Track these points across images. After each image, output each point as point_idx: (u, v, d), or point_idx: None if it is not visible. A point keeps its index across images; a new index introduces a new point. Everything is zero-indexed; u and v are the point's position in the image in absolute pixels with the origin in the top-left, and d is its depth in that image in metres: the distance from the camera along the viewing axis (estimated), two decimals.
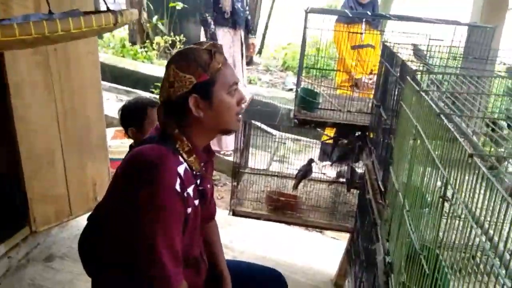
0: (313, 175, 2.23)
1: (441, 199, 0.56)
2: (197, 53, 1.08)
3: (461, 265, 0.71)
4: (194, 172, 1.12)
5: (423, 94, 0.79)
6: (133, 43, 7.49)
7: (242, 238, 2.64)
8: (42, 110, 2.16)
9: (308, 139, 3.71)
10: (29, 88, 2.08)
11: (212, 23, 3.50)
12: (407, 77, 0.97)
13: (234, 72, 1.17)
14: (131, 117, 1.71)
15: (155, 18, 7.51)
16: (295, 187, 2.14)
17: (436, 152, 0.65)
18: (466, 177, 0.60)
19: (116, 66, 6.26)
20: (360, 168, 2.04)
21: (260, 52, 8.04)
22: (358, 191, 2.01)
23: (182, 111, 1.09)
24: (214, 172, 3.85)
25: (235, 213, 2.12)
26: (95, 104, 2.46)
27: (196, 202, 1.13)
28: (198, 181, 1.16)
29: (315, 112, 1.99)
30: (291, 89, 6.01)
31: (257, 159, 2.57)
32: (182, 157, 1.09)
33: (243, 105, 1.17)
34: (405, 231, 0.77)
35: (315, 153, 3.44)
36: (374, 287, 1.07)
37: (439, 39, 1.62)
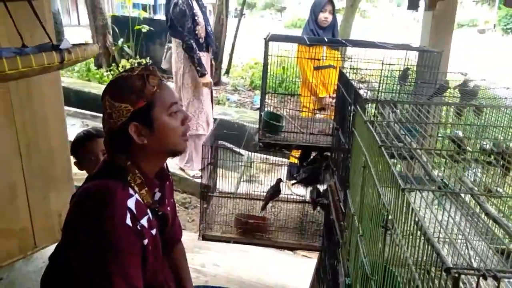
0: (282, 195, 2.27)
1: (382, 228, 0.61)
2: (129, 80, 1.06)
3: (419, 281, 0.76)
4: (146, 202, 1.11)
5: (369, 124, 0.85)
6: (99, 66, 7.43)
7: (214, 262, 2.63)
8: (3, 142, 2.12)
9: (277, 158, 3.78)
10: None
11: (197, 49, 3.57)
12: (356, 106, 1.03)
13: (173, 92, 1.16)
14: (71, 150, 1.75)
15: (120, 41, 7.49)
16: (263, 208, 2.17)
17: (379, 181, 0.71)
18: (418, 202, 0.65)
19: (82, 91, 6.19)
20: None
21: (227, 72, 8.13)
22: (324, 211, 2.06)
23: (126, 140, 1.07)
24: (184, 195, 3.84)
25: (204, 238, 2.12)
26: (58, 133, 2.43)
27: (153, 231, 1.12)
28: (157, 207, 1.16)
29: (279, 135, 2.04)
30: (258, 108, 6.09)
31: (226, 181, 2.59)
32: (133, 189, 1.08)
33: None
34: (359, 254, 0.81)
35: (284, 172, 3.51)
36: None
37: (391, 63, 1.72)
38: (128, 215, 1.02)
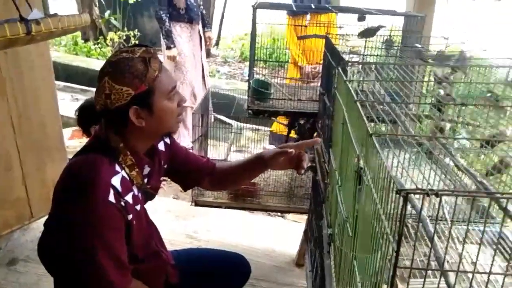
0: None
1: (356, 173, 0.67)
2: (131, 63, 1.05)
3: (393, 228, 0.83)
4: (136, 183, 1.14)
5: (348, 83, 0.90)
6: (86, 40, 7.31)
7: (207, 228, 2.72)
8: None
9: (267, 128, 3.84)
10: None
11: (167, 20, 3.53)
12: (338, 67, 1.08)
13: (171, 75, 1.17)
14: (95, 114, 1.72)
15: (107, 13, 7.35)
16: None
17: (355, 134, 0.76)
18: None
19: (70, 65, 6.11)
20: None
21: (217, 44, 8.05)
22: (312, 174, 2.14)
23: (122, 121, 1.09)
24: None
25: (197, 204, 2.20)
26: (49, 105, 2.45)
27: (138, 207, 1.16)
28: (146, 180, 1.21)
29: (268, 102, 2.09)
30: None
31: (217, 150, 2.65)
32: (121, 166, 1.11)
33: (184, 104, 1.20)
34: (338, 203, 0.88)
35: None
36: (321, 258, 1.19)
37: (380, 26, 1.75)
38: (112, 192, 1.04)
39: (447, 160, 1.20)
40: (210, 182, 1.48)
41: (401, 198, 0.40)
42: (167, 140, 1.37)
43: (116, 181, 1.07)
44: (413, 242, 1.00)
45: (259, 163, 1.38)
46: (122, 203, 1.08)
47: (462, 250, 0.86)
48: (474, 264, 0.66)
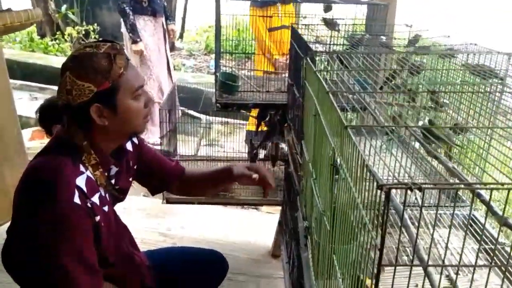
0: (241, 155, 2.33)
1: (331, 166, 0.66)
2: (95, 58, 1.01)
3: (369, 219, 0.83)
4: (99, 184, 1.09)
5: (318, 74, 0.89)
6: (42, 35, 7.00)
7: (180, 225, 2.68)
8: None
9: (236, 121, 3.80)
10: None
11: (131, 13, 3.43)
12: (307, 58, 1.07)
13: (139, 73, 1.12)
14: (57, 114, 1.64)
15: (64, 7, 7.05)
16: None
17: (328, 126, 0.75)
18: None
19: (26, 62, 5.84)
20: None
21: (181, 36, 7.91)
22: (284, 166, 2.13)
23: (85, 119, 1.04)
24: None
25: (168, 201, 2.15)
26: (5, 105, 2.32)
27: (106, 208, 1.11)
28: (113, 181, 1.16)
29: (236, 95, 2.06)
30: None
31: (187, 146, 2.60)
32: (85, 166, 1.06)
33: (155, 108, 1.16)
34: (314, 197, 0.87)
35: (244, 134, 3.56)
36: (298, 250, 1.19)
37: (340, 18, 1.76)
38: (77, 193, 1.00)
39: (417, 145, 1.22)
40: (178, 187, 1.47)
41: (383, 194, 0.39)
42: (135, 140, 1.32)
43: (81, 181, 1.03)
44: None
45: (227, 177, 1.40)
46: (89, 204, 1.03)
47: (432, 236, 0.88)
48: (446, 247, 0.67)
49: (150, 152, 1.40)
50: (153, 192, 1.48)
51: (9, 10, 1.30)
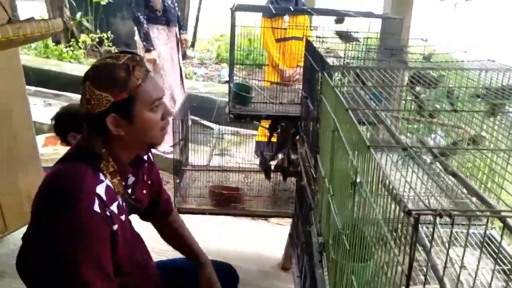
0: (252, 166, 2.33)
1: (351, 184, 0.66)
2: (113, 68, 1.03)
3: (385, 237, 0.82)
4: (117, 192, 1.10)
5: (336, 89, 0.89)
6: (57, 42, 7.09)
7: None
8: None
9: (247, 130, 3.81)
10: None
11: (145, 22, 3.47)
12: (324, 72, 1.07)
13: (158, 85, 1.12)
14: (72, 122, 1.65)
15: (79, 14, 7.16)
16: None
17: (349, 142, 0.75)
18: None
19: (41, 68, 5.92)
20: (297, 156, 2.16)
21: (193, 45, 7.97)
22: (295, 178, 2.13)
23: (103, 128, 1.05)
24: None
25: (179, 211, 2.15)
26: (21, 111, 2.35)
27: (123, 217, 1.12)
28: (130, 191, 1.17)
29: (249, 106, 2.07)
30: (227, 81, 6.06)
31: (198, 155, 2.60)
32: (104, 175, 1.07)
33: (169, 118, 1.16)
34: (331, 213, 0.87)
35: (254, 144, 3.56)
36: (311, 266, 1.17)
37: (355, 31, 1.76)
38: (97, 201, 1.00)
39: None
40: (156, 221, 1.51)
41: (412, 219, 0.39)
42: (150, 156, 1.33)
43: (100, 189, 1.04)
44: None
45: (193, 260, 1.47)
46: (108, 213, 1.04)
47: (447, 255, 0.86)
48: (461, 266, 0.66)
49: (158, 174, 1.42)
50: (142, 216, 1.45)
51: (31, 19, 1.31)
